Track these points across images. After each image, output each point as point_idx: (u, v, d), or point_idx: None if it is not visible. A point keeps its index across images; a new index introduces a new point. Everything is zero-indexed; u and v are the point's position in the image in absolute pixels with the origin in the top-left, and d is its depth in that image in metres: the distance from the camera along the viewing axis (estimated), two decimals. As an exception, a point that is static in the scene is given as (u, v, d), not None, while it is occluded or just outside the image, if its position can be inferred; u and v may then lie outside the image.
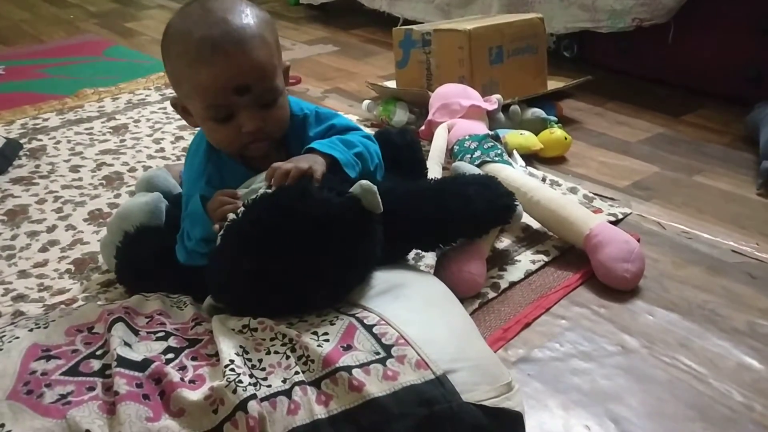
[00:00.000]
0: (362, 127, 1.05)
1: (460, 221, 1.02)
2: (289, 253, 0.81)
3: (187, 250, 0.95)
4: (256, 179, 0.92)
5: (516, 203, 1.09)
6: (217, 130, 0.93)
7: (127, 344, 0.80)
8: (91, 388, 0.75)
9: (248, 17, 0.90)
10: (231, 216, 0.85)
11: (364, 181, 0.84)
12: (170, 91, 2.01)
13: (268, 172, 0.87)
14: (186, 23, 0.90)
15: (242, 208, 0.84)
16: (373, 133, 1.21)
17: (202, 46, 0.87)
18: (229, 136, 0.92)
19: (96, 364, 0.79)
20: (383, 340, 0.78)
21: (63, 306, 1.04)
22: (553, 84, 1.83)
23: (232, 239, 0.84)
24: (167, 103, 1.92)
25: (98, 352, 0.81)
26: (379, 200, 0.84)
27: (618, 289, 1.08)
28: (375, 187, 0.84)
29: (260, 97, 0.91)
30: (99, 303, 1.01)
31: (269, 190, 0.86)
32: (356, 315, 0.83)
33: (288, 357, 0.78)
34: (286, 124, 0.97)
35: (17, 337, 0.83)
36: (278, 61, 0.94)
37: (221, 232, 0.86)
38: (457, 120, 1.48)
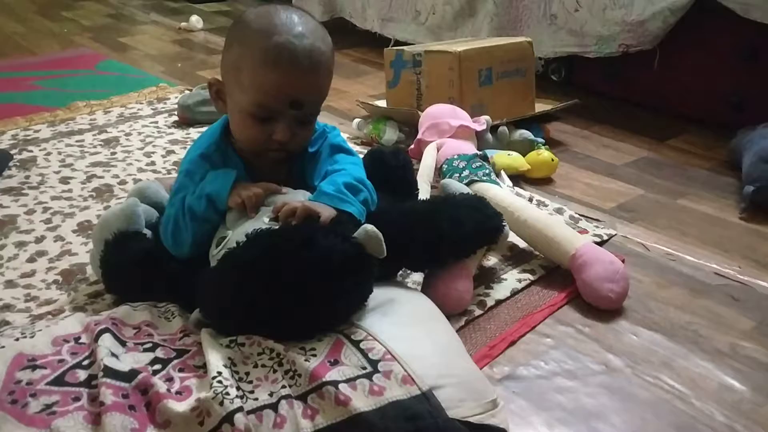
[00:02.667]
0: (351, 146, 1.07)
1: (450, 243, 1.03)
2: (285, 293, 0.81)
3: (175, 218, 0.97)
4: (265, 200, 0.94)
5: (504, 224, 1.11)
6: (250, 127, 0.96)
7: (114, 355, 0.80)
8: (77, 399, 0.75)
9: (325, 44, 0.95)
10: (232, 244, 0.85)
11: (369, 227, 0.85)
12: (162, 106, 2.03)
13: (277, 205, 0.89)
14: (269, 23, 0.93)
15: (244, 238, 0.84)
16: (366, 152, 1.22)
17: (283, 51, 0.91)
18: (257, 135, 0.96)
19: (82, 375, 0.79)
20: (370, 355, 0.79)
21: (50, 316, 1.04)
22: (541, 106, 1.85)
23: (230, 268, 0.84)
24: (159, 117, 1.93)
25: (85, 363, 0.81)
26: (384, 246, 0.85)
27: (603, 308, 1.09)
28: (380, 234, 0.84)
29: (304, 115, 0.96)
30: (86, 314, 1.01)
31: (275, 224, 0.86)
32: (344, 330, 0.84)
33: (275, 371, 0.79)
34: (307, 143, 1.03)
35: (2, 347, 0.83)
36: None
37: (218, 256, 0.86)
38: (446, 139, 1.49)
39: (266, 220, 0.88)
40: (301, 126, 0.97)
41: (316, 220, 0.87)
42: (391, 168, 1.17)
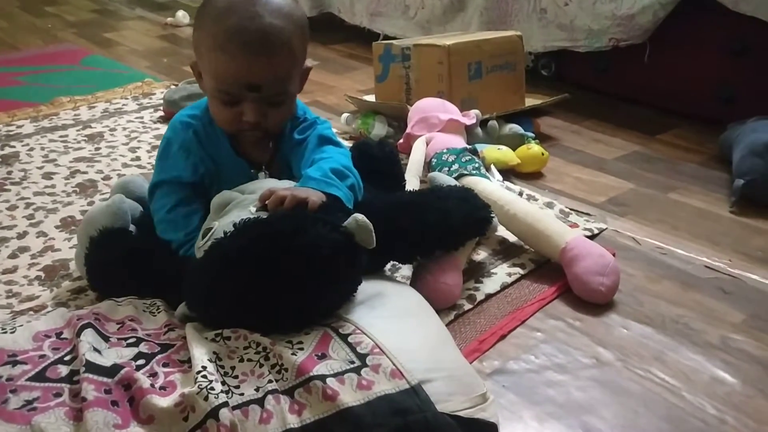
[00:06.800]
0: (340, 139, 1.06)
1: (438, 234, 1.02)
2: (272, 285, 0.80)
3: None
4: (247, 188, 0.92)
5: (492, 216, 1.10)
6: (221, 110, 0.97)
7: (96, 350, 0.79)
8: (58, 394, 0.74)
9: (285, 20, 0.92)
10: (219, 234, 0.84)
11: (359, 217, 0.83)
12: (147, 101, 2.01)
13: (264, 193, 0.88)
14: (226, 4, 0.92)
15: (232, 228, 0.83)
16: (352, 144, 1.22)
17: (231, 36, 0.90)
18: (229, 117, 0.97)
19: (64, 370, 0.77)
20: (358, 349, 0.78)
21: (31, 312, 1.02)
22: (531, 101, 1.84)
23: (217, 259, 0.82)
24: (144, 113, 1.91)
25: (66, 358, 0.79)
26: (373, 237, 0.84)
27: (593, 302, 1.08)
28: (370, 225, 0.83)
29: (268, 97, 0.95)
30: (68, 310, 0.99)
31: (262, 213, 0.85)
32: (331, 324, 0.83)
33: (261, 365, 0.77)
34: (285, 122, 1.02)
35: (-18, 343, 0.81)
36: (299, 67, 0.98)
37: (205, 246, 0.85)
38: (435, 134, 1.48)
39: (253, 209, 0.86)
40: (272, 106, 0.96)
41: (305, 206, 0.85)
42: (377, 159, 1.16)
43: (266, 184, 0.94)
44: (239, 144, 1.02)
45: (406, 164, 1.40)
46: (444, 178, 1.23)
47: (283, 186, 0.92)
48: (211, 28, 0.92)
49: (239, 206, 0.88)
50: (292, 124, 1.04)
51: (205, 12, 0.95)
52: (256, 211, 0.86)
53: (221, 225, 0.86)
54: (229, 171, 1.01)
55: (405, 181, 1.27)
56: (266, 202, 0.87)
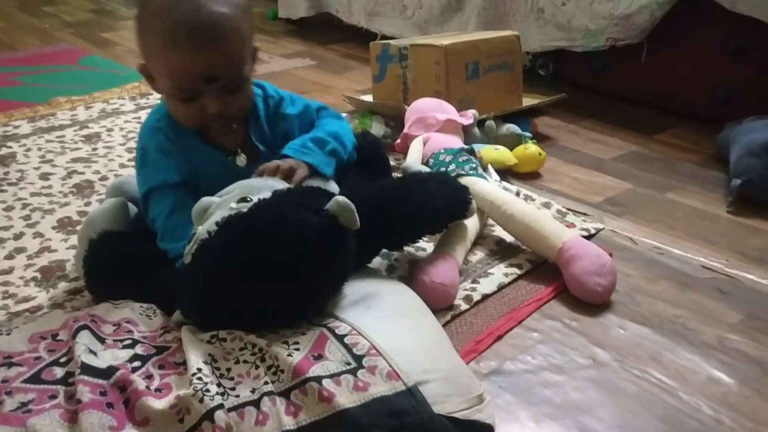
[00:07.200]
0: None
1: (423, 216, 1.02)
2: (263, 277, 0.80)
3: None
4: (224, 192, 0.92)
5: (471, 197, 1.10)
6: (181, 108, 0.96)
7: (92, 352, 0.79)
8: (53, 396, 0.74)
9: (229, 5, 0.92)
10: (204, 235, 0.84)
11: (340, 198, 0.83)
12: (144, 101, 2.00)
13: (258, 169, 0.90)
14: (165, 0, 0.91)
15: (215, 227, 0.83)
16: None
17: (177, 31, 0.89)
18: (191, 113, 0.96)
19: (59, 372, 0.77)
20: (354, 350, 0.78)
21: (27, 314, 1.02)
22: (529, 101, 1.84)
23: (204, 260, 0.82)
24: (141, 113, 1.91)
25: (62, 360, 0.79)
26: (357, 217, 0.84)
27: (590, 302, 1.08)
28: (352, 205, 0.83)
29: (226, 85, 0.95)
30: (65, 311, 0.99)
31: (243, 208, 0.85)
32: (327, 325, 0.82)
33: (257, 367, 0.77)
34: (248, 107, 1.02)
35: (-22, 344, 0.81)
36: (248, 49, 0.98)
37: (192, 251, 0.85)
38: (432, 134, 1.48)
39: (233, 205, 0.86)
40: (231, 94, 0.96)
41: (284, 195, 0.86)
42: (360, 149, 1.17)
43: (242, 185, 0.94)
44: (209, 136, 1.01)
45: (402, 164, 1.40)
46: (417, 166, 1.25)
47: (259, 183, 0.92)
48: (157, 26, 0.91)
49: (219, 207, 0.87)
50: (273, 105, 1.05)
51: (147, 11, 0.94)
52: (236, 204, 0.86)
53: (204, 227, 0.85)
54: (208, 165, 1.00)
55: (390, 169, 1.28)
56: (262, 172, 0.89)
